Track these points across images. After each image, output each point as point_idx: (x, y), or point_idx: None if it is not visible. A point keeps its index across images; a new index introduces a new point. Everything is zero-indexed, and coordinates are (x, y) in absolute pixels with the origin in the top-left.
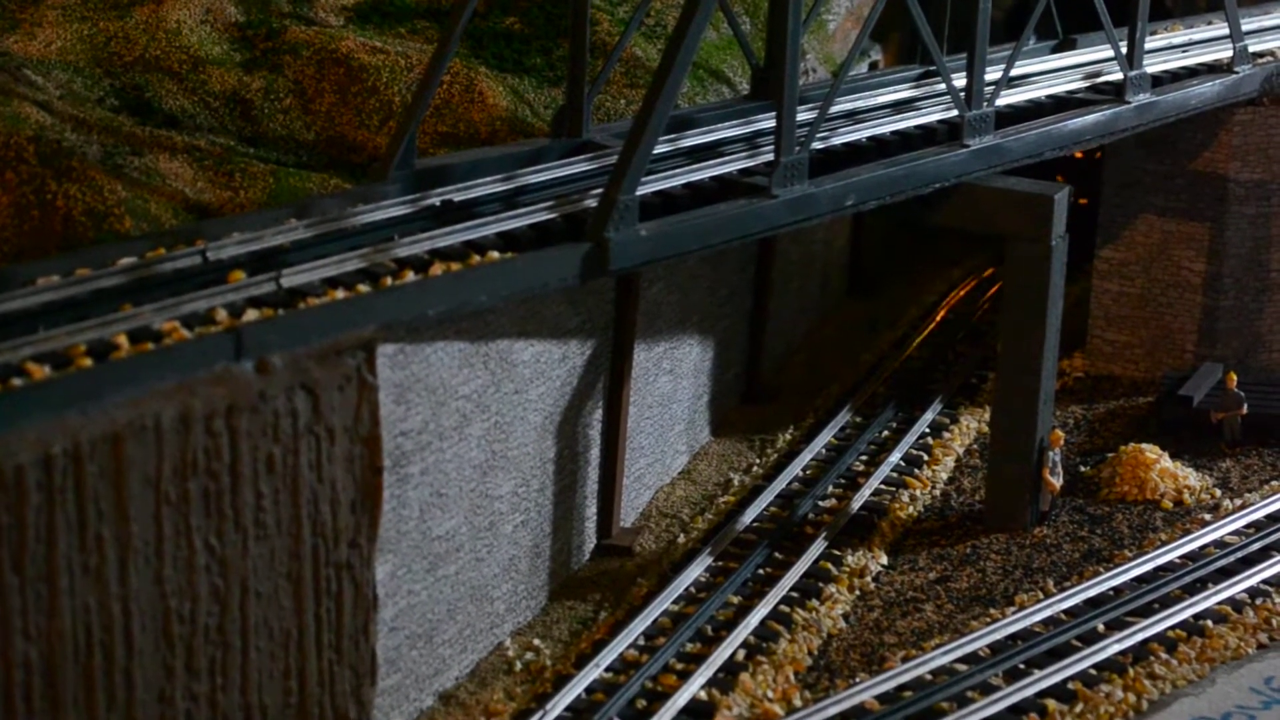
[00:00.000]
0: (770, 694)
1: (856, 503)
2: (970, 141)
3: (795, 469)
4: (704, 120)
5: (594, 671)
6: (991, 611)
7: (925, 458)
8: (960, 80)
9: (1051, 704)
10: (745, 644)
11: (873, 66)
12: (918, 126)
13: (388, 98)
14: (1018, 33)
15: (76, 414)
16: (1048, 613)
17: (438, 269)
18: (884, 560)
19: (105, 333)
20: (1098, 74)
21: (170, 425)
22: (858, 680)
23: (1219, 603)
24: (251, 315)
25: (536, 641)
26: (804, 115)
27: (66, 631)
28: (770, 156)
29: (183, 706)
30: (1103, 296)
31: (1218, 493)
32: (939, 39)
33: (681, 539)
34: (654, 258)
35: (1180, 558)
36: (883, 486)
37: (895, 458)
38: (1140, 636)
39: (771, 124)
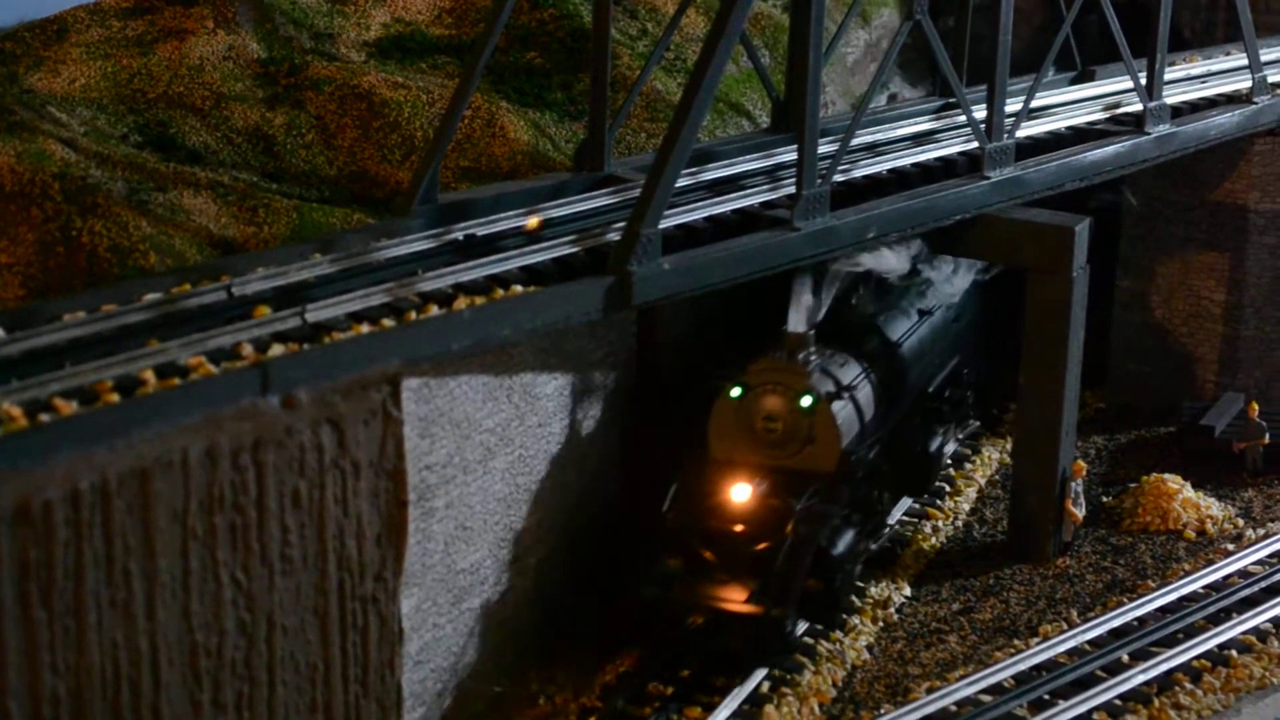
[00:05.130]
0: None
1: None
2: (990, 173)
3: None
4: (725, 153)
5: (617, 703)
6: (1015, 642)
7: (947, 489)
8: (980, 112)
9: None
10: (770, 675)
11: (891, 99)
12: (938, 158)
13: (410, 133)
14: (1037, 65)
15: (104, 449)
16: (1072, 643)
17: (462, 303)
18: (907, 591)
19: (132, 368)
20: (1117, 105)
21: (197, 460)
22: (882, 712)
23: (1243, 633)
24: (277, 350)
25: (560, 674)
26: (825, 148)
27: (94, 666)
28: (792, 189)
29: None
30: (1124, 327)
31: (1240, 522)
32: (958, 71)
33: None
34: (677, 291)
35: (1204, 588)
36: (905, 518)
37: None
38: (1165, 667)
39: (792, 157)
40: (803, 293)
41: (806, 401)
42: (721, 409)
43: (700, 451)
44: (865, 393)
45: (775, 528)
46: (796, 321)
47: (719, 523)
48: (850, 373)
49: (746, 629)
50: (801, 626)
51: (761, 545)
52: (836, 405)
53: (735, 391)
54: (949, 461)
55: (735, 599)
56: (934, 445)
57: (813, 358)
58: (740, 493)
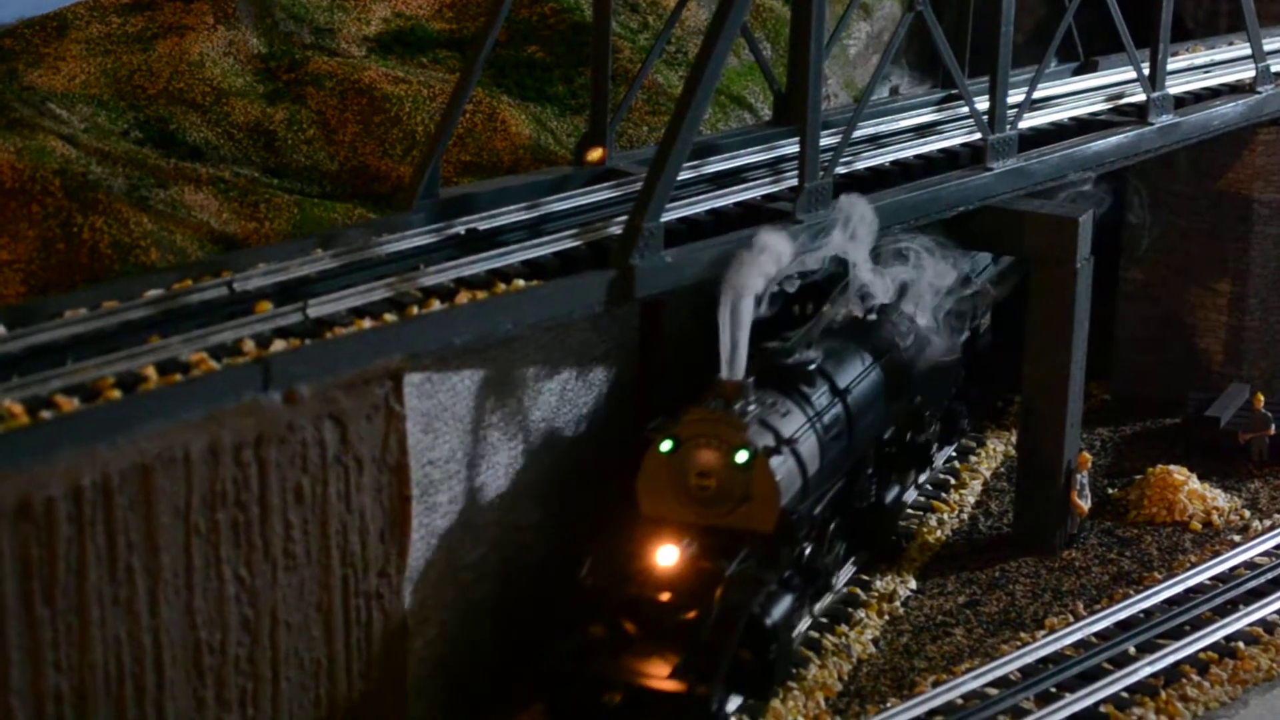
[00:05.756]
0: (801, 719)
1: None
2: (994, 164)
3: None
4: (727, 146)
5: None
6: (1022, 635)
7: (952, 481)
8: (983, 103)
9: None
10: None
11: (893, 92)
12: (941, 150)
13: (411, 127)
14: (1039, 56)
15: (106, 446)
16: (1078, 636)
17: (464, 297)
18: (913, 585)
19: (133, 364)
20: (1120, 95)
21: (199, 456)
22: (889, 705)
23: (1250, 624)
24: (279, 346)
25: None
26: (827, 140)
27: (98, 663)
28: (794, 181)
29: None
30: (1128, 318)
31: (1247, 514)
32: (960, 63)
33: None
34: (679, 284)
35: (1211, 579)
36: (910, 511)
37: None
38: (1172, 659)
39: (794, 149)
40: (738, 335)
41: (742, 457)
42: (651, 463)
43: (627, 508)
44: (809, 445)
45: (704, 594)
46: (732, 368)
47: (642, 589)
48: (793, 423)
49: (668, 708)
50: (734, 703)
51: (689, 614)
52: (775, 460)
53: (666, 445)
54: (953, 456)
55: (656, 674)
56: (890, 496)
57: (751, 407)
58: (666, 555)
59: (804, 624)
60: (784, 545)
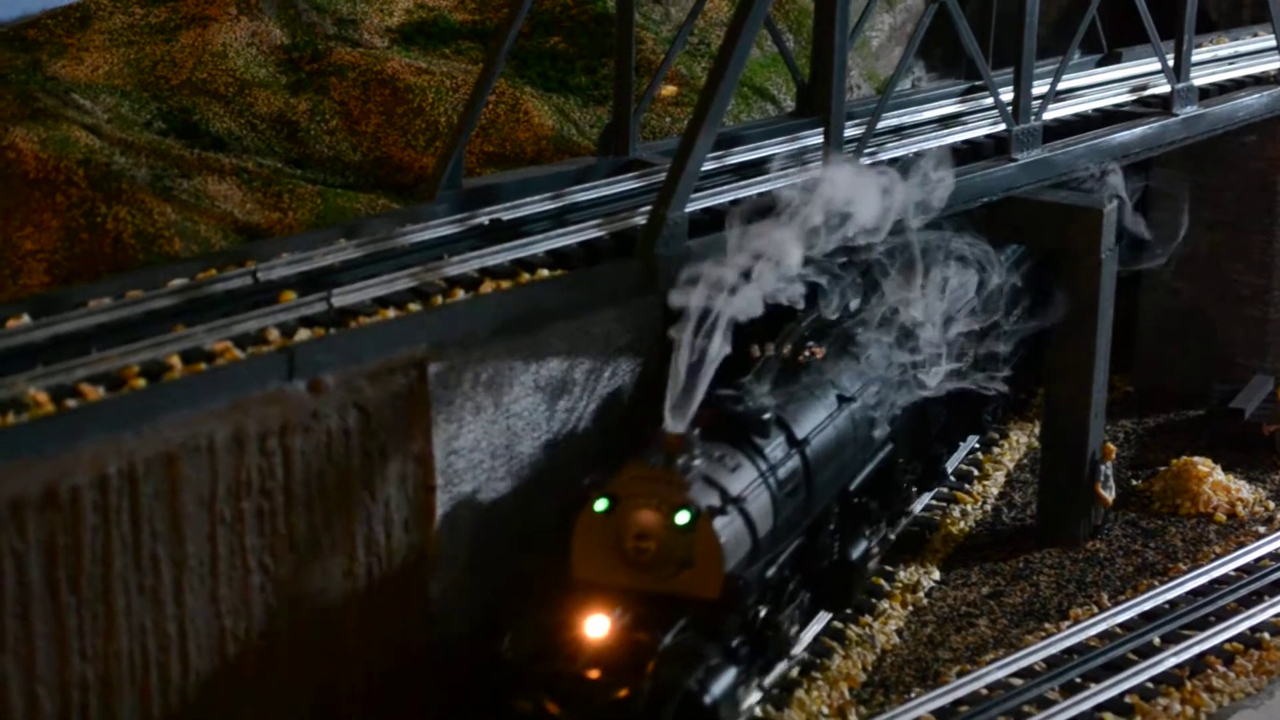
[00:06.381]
0: (825, 710)
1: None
2: (1018, 155)
3: None
4: (750, 137)
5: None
6: (1046, 626)
7: (975, 473)
8: (1007, 95)
9: (1109, 718)
10: (800, 661)
11: (915, 84)
12: (965, 141)
13: (433, 118)
14: (1062, 48)
15: (131, 435)
16: (1103, 627)
17: (488, 287)
18: (936, 576)
19: (158, 353)
20: (1144, 87)
21: (224, 445)
22: (913, 695)
23: (1276, 615)
24: (303, 335)
25: None
26: (851, 131)
27: (123, 651)
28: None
29: None
30: (1152, 310)
31: (1271, 505)
32: (984, 55)
33: None
34: None
35: (1235, 570)
36: (934, 502)
37: None
38: (1197, 650)
39: (818, 140)
40: (696, 377)
41: (683, 518)
42: (586, 523)
43: (560, 572)
44: (761, 502)
45: (637, 670)
46: (675, 419)
47: (568, 664)
48: (742, 479)
49: None
50: None
51: (620, 692)
52: (720, 521)
53: (601, 504)
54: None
55: None
56: (856, 553)
57: (696, 462)
58: (596, 626)
59: (753, 698)
60: (730, 613)
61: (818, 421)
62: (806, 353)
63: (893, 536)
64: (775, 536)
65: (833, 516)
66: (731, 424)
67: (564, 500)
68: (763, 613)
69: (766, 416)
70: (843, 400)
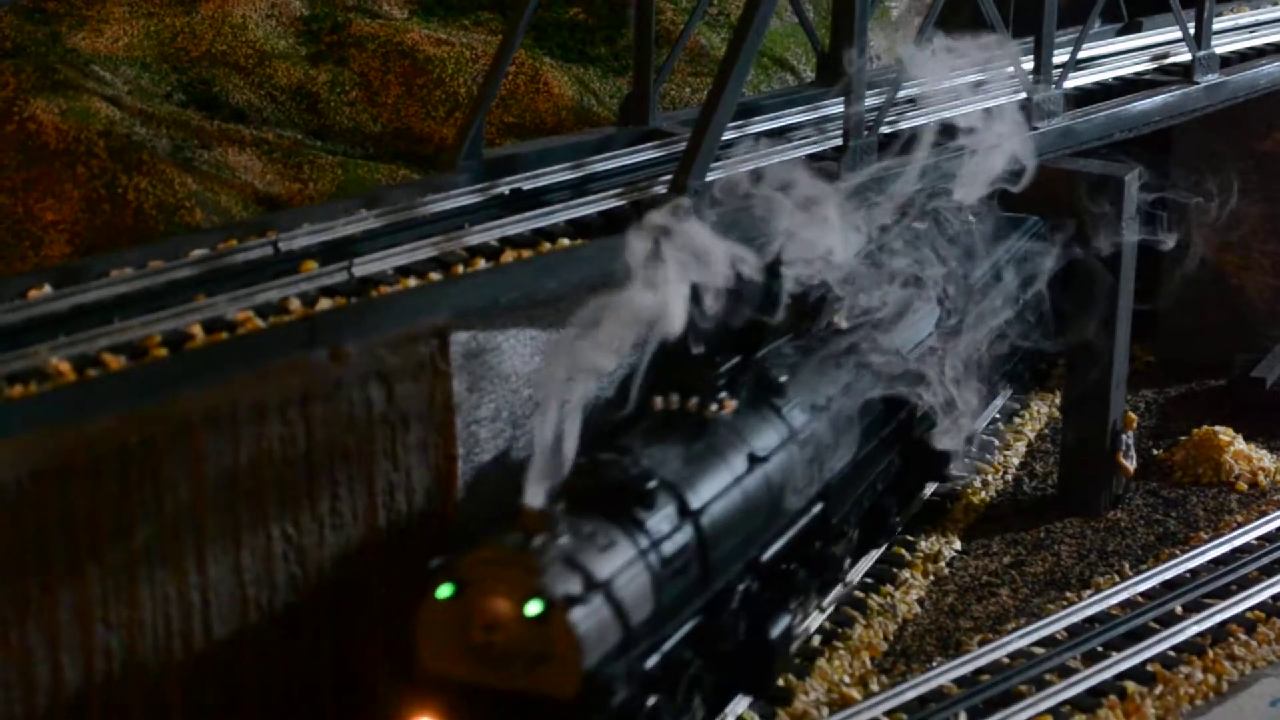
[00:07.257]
0: (847, 679)
1: (929, 488)
2: (1039, 124)
3: None
4: (770, 107)
5: None
6: (1067, 595)
7: (996, 443)
8: (1028, 63)
9: (1131, 686)
10: (821, 630)
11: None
12: (985, 110)
13: (453, 89)
14: (1082, 17)
15: (152, 404)
16: (1124, 595)
17: (509, 256)
18: (957, 545)
19: (180, 323)
20: (1165, 55)
21: (246, 415)
22: (935, 664)
23: None
24: (325, 304)
25: None
26: (871, 100)
27: (146, 621)
28: (839, 141)
29: None
30: (1173, 280)
31: None
32: (1004, 23)
33: None
34: None
35: (1257, 539)
36: (955, 473)
37: None
38: (1219, 618)
39: (838, 109)
40: (561, 444)
41: (534, 608)
42: (430, 612)
43: (404, 667)
44: (638, 585)
45: None
46: (535, 491)
47: None
48: (614, 560)
49: None
50: None
51: None
52: (579, 612)
53: (445, 590)
54: (998, 415)
55: None
56: (776, 629)
57: (559, 540)
58: None
59: None
60: (592, 714)
61: (721, 487)
62: (714, 406)
63: (826, 607)
64: (659, 620)
65: (739, 592)
66: (606, 494)
67: (403, 581)
68: (654, 701)
69: (651, 485)
70: (754, 461)
